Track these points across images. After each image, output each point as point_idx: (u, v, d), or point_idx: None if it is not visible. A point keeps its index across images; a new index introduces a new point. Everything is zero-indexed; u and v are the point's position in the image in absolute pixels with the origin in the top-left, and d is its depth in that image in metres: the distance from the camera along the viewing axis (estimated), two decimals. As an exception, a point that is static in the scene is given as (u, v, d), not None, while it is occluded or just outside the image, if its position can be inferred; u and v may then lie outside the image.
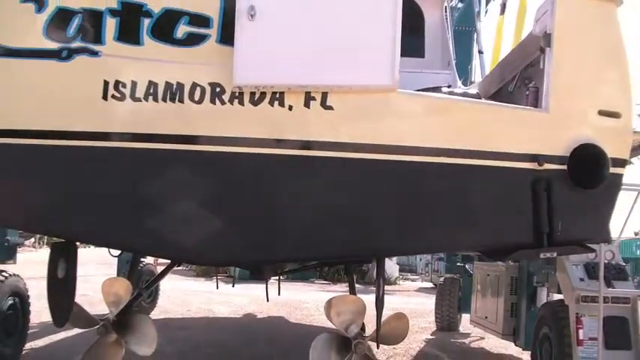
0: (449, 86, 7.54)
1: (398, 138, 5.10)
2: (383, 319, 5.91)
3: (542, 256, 5.51)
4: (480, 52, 10.00)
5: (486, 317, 11.23)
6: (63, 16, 4.99)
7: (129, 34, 4.99)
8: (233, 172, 5.08)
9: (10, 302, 8.00)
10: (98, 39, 4.98)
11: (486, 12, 13.74)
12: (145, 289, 8.79)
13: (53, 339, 9.72)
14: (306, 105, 4.96)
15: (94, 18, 5.00)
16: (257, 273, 9.27)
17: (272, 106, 4.95)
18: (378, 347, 5.63)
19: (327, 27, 4.95)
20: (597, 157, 5.35)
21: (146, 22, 4.98)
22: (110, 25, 4.99)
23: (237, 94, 4.94)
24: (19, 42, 5.04)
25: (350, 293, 8.04)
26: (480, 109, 5.53)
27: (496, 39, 12.37)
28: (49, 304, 5.96)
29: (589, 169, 5.34)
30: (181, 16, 4.98)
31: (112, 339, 6.15)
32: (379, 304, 5.87)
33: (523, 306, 9.83)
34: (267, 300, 12.47)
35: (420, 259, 34.36)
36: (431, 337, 12.79)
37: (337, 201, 5.12)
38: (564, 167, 5.33)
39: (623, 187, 6.23)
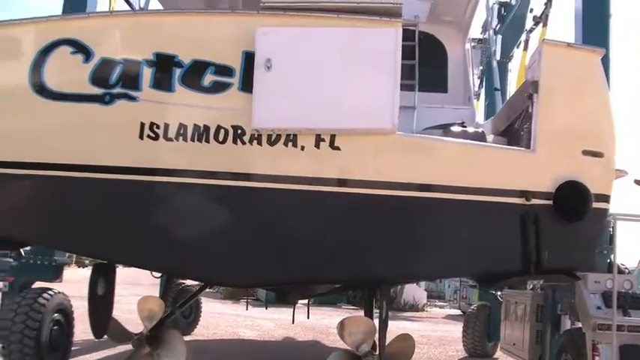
0: (462, 123, 7.94)
1: (398, 175, 5.66)
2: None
3: (529, 283, 5.97)
4: (496, 90, 10.40)
5: (514, 344, 11.22)
6: (106, 66, 5.65)
7: (162, 82, 5.63)
8: (252, 204, 5.67)
9: (56, 318, 8.49)
10: (136, 86, 5.63)
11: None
12: (178, 307, 9.28)
13: (94, 356, 10.10)
14: (317, 146, 5.56)
15: (133, 67, 5.65)
16: (282, 296, 9.66)
17: (286, 146, 5.56)
18: None
19: (334, 78, 5.56)
20: (581, 193, 5.83)
21: (177, 72, 5.61)
22: (146, 73, 5.63)
23: (256, 135, 5.55)
24: (69, 87, 5.70)
25: (365, 315, 8.47)
26: (472, 150, 6.02)
27: (519, 74, 12.87)
28: (90, 317, 6.61)
29: (573, 204, 5.80)
30: (208, 66, 5.61)
31: (145, 352, 6.67)
32: (382, 326, 6.32)
33: (548, 333, 9.85)
34: (293, 322, 12.76)
35: (449, 286, 33.49)
36: None
37: (341, 231, 5.69)
38: (550, 202, 5.82)
39: None
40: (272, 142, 5.57)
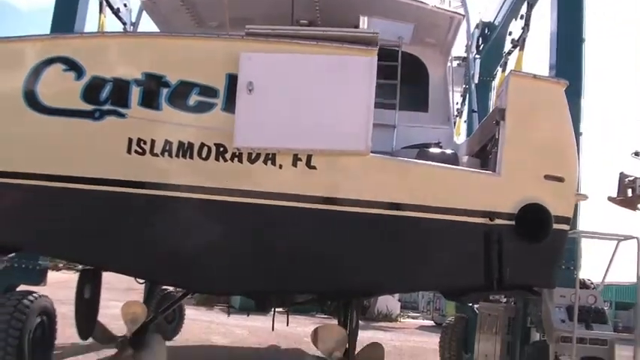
0: (438, 143, 8.21)
1: (370, 194, 5.99)
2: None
3: (491, 297, 6.31)
4: (473, 111, 10.73)
5: (486, 356, 11.35)
6: (97, 84, 5.95)
7: (150, 101, 5.93)
8: (232, 217, 5.97)
9: (39, 320, 8.51)
10: (125, 103, 5.93)
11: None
12: (161, 313, 9.53)
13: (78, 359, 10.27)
14: (294, 164, 5.89)
15: (122, 86, 5.94)
16: (261, 304, 9.92)
17: (265, 164, 5.88)
18: None
19: (312, 101, 5.89)
20: (541, 214, 6.19)
21: (165, 91, 5.92)
22: (135, 92, 5.93)
23: (237, 153, 5.87)
24: (61, 103, 5.98)
25: (339, 324, 8.76)
26: (439, 171, 6.33)
27: (496, 94, 13.14)
28: (76, 319, 6.90)
29: (534, 225, 6.15)
30: (194, 87, 5.92)
31: (128, 354, 6.98)
32: (352, 335, 6.67)
33: (517, 345, 10.02)
34: (273, 329, 13.01)
35: (423, 297, 33.95)
36: None
37: (315, 245, 6.01)
38: (513, 223, 6.18)
39: (606, 236, 6.93)
40: (252, 160, 5.88)
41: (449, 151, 7.44)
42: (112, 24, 11.10)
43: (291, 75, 5.91)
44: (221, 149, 5.88)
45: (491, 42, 15.02)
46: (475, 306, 12.93)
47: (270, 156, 5.89)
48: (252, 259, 6.07)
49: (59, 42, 6.29)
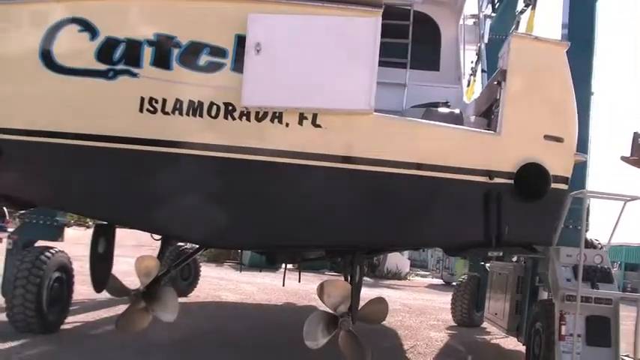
0: (446, 102, 8.31)
1: (373, 152, 6.19)
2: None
3: (489, 254, 6.48)
4: (484, 71, 10.74)
5: (496, 314, 11.63)
6: (111, 44, 6.16)
7: (162, 61, 6.13)
8: (240, 173, 6.21)
9: (57, 275, 8.94)
10: (137, 63, 6.14)
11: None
12: (174, 267, 9.80)
13: (93, 314, 10.67)
14: (300, 123, 6.10)
15: (135, 46, 6.15)
16: (272, 259, 10.14)
17: (272, 123, 6.09)
18: (354, 322, 6.55)
19: (317, 62, 6.06)
20: (540, 174, 6.36)
21: (175, 52, 6.12)
22: (147, 52, 6.14)
23: (245, 112, 6.08)
24: (76, 63, 6.20)
25: (345, 281, 8.96)
26: (441, 131, 6.50)
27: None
28: (91, 273, 7.16)
29: (533, 184, 6.33)
30: (204, 47, 6.11)
31: (141, 306, 7.21)
32: (356, 289, 6.86)
33: (526, 304, 10.17)
34: (284, 285, 13.30)
35: (432, 256, 33.98)
36: (451, 331, 13.08)
37: (320, 201, 6.24)
38: (512, 182, 6.36)
39: (613, 197, 6.98)
40: (259, 119, 6.09)
41: (454, 111, 7.55)
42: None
43: (296, 36, 6.06)
44: (230, 108, 6.09)
45: (506, 0, 14.91)
46: (487, 265, 13.14)
47: (277, 115, 6.09)
48: (260, 214, 6.29)
49: (75, 4, 6.44)
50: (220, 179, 6.22)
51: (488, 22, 11.30)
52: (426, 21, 9.41)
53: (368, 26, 6.02)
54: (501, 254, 10.48)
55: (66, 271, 9.23)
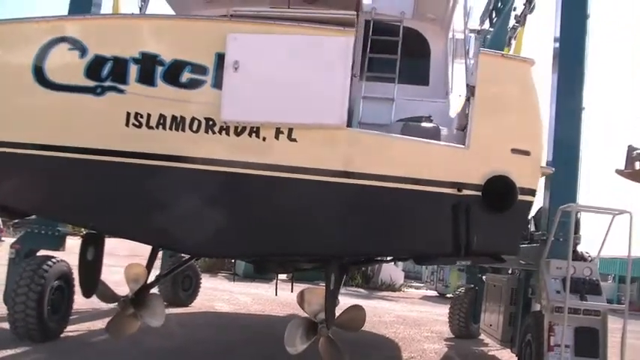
0: (429, 117, 8.30)
1: (346, 165, 6.45)
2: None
3: (458, 263, 6.68)
4: (467, 86, 10.88)
5: (491, 325, 11.81)
6: (99, 62, 6.50)
7: (146, 78, 6.47)
8: (220, 186, 6.49)
9: (58, 284, 9.13)
10: (124, 80, 6.48)
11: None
12: (163, 276, 10.06)
13: (92, 324, 10.71)
14: (276, 137, 6.39)
15: (121, 64, 6.48)
16: (261, 268, 10.31)
17: (250, 137, 6.39)
18: (329, 329, 6.80)
19: (293, 79, 6.37)
20: (507, 186, 6.57)
21: (159, 69, 6.45)
22: (133, 70, 6.47)
23: (224, 126, 6.38)
24: (66, 79, 6.54)
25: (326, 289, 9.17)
26: (411, 145, 6.75)
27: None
28: (80, 279, 7.45)
29: (500, 196, 6.53)
30: (186, 65, 6.45)
31: (130, 312, 7.54)
32: (331, 297, 7.06)
33: (519, 315, 10.29)
34: (276, 294, 13.48)
35: (426, 267, 33.74)
36: (447, 343, 13.19)
37: (297, 212, 6.51)
38: (480, 194, 6.58)
39: (601, 211, 7.09)
40: (238, 133, 6.39)
41: (431, 125, 7.73)
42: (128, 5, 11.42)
43: (273, 54, 6.39)
44: (210, 123, 6.40)
45: (502, 16, 15.11)
46: (483, 277, 13.24)
47: (255, 129, 6.39)
48: (241, 224, 6.58)
49: (65, 23, 6.81)
50: (202, 190, 6.51)
51: (473, 38, 11.48)
52: (416, 37, 9.61)
53: (340, 45, 6.32)
54: (486, 265, 10.62)
55: (67, 280, 9.41)
